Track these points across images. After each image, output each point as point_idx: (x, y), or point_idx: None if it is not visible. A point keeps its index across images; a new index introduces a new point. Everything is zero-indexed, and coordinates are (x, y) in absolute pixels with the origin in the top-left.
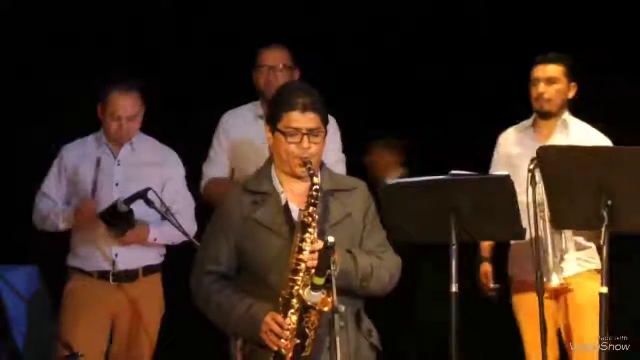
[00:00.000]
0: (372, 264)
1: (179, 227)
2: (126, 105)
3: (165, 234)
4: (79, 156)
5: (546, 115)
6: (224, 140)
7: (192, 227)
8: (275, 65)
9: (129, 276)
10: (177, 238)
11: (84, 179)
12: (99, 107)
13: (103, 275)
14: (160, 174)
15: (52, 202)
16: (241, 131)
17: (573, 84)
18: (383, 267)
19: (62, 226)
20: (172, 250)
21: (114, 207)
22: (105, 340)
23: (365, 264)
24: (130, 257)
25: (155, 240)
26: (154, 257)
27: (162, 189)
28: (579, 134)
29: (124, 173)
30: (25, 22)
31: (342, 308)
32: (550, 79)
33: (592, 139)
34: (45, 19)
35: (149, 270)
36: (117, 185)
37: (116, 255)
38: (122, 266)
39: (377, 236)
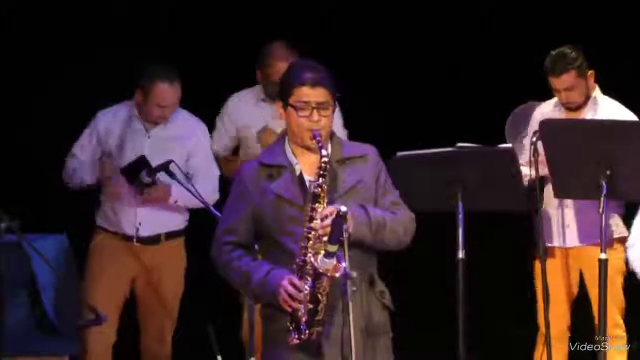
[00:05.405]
0: (384, 216)
1: (199, 198)
2: (172, 95)
3: (186, 196)
4: (111, 125)
5: (575, 109)
6: (227, 122)
7: (212, 196)
8: (284, 63)
9: (152, 240)
10: (197, 201)
11: (114, 149)
12: (138, 92)
13: (127, 238)
14: (187, 146)
15: (78, 161)
16: (244, 113)
17: (590, 73)
18: (396, 220)
19: (87, 179)
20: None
21: (138, 162)
22: (122, 296)
23: (377, 216)
24: (153, 223)
25: (176, 202)
26: (178, 223)
27: (188, 159)
28: (607, 110)
29: (152, 145)
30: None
31: (354, 274)
32: (568, 88)
33: (619, 115)
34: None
35: (171, 234)
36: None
37: (140, 224)
38: (146, 232)
39: (390, 195)
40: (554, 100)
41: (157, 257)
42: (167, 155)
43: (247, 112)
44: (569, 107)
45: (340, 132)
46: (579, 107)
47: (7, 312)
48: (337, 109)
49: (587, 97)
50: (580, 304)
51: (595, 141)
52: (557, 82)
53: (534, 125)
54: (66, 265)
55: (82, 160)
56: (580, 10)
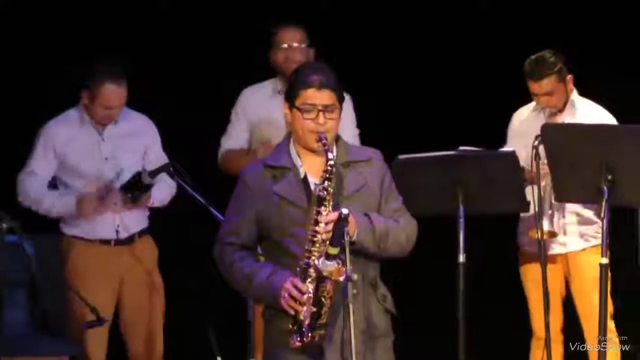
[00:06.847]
0: (387, 225)
1: (198, 197)
2: (119, 96)
3: (160, 197)
4: (64, 134)
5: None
6: (242, 115)
7: (172, 188)
8: (293, 43)
9: (128, 240)
10: (165, 200)
11: (73, 157)
12: (84, 93)
13: (105, 242)
14: (142, 142)
15: (41, 181)
16: (260, 106)
17: (569, 77)
18: (399, 228)
19: (56, 214)
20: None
21: (137, 179)
22: (114, 302)
23: (380, 225)
24: (130, 224)
25: (152, 203)
26: (145, 220)
27: (144, 156)
28: (585, 113)
29: (109, 147)
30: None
31: (355, 276)
32: (547, 92)
33: (596, 117)
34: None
35: (142, 232)
36: (106, 159)
37: (118, 225)
38: (124, 234)
39: (393, 202)
40: (532, 104)
41: (135, 253)
42: (124, 153)
43: (263, 104)
44: (549, 112)
45: (354, 131)
46: (559, 111)
47: (7, 312)
48: (351, 108)
49: (565, 103)
50: None
51: (597, 145)
52: (536, 87)
53: (513, 130)
54: (60, 265)
55: (45, 178)
56: (582, 11)
